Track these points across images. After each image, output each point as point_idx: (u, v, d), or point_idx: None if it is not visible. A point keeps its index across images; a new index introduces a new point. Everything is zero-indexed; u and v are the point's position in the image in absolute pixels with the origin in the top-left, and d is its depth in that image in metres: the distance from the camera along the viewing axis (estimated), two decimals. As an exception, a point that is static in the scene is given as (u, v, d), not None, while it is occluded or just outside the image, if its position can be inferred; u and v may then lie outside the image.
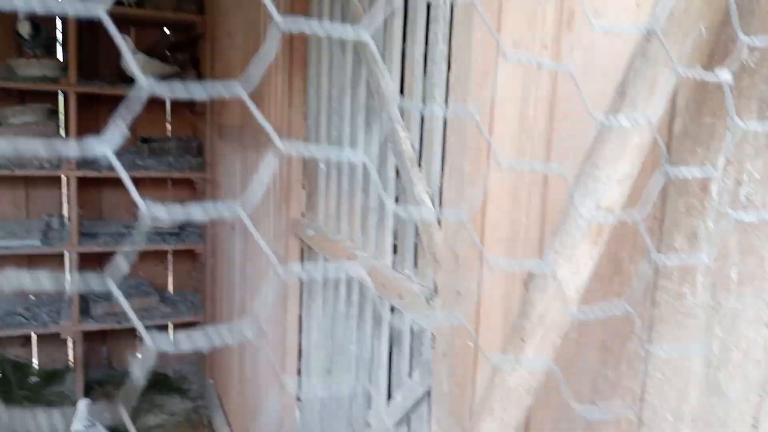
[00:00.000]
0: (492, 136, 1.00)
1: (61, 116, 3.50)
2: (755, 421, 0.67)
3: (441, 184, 1.28)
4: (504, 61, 0.97)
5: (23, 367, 3.76)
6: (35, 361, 3.81)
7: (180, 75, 3.52)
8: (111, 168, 3.33)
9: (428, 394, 1.37)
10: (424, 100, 1.33)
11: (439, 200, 1.28)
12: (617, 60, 0.80)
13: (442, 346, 1.13)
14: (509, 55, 0.97)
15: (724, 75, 0.55)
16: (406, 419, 1.47)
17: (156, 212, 0.40)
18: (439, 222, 1.25)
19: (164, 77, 3.47)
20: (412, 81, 1.35)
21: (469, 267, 1.06)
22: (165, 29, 3.65)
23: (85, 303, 3.52)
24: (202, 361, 3.83)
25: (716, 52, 0.68)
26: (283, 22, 0.43)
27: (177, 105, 3.77)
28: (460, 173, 1.05)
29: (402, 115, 1.41)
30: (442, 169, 1.26)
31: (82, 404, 2.90)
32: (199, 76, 3.58)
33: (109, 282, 0.39)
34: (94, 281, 0.39)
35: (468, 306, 1.08)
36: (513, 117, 0.96)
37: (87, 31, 3.41)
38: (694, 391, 0.72)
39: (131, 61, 0.42)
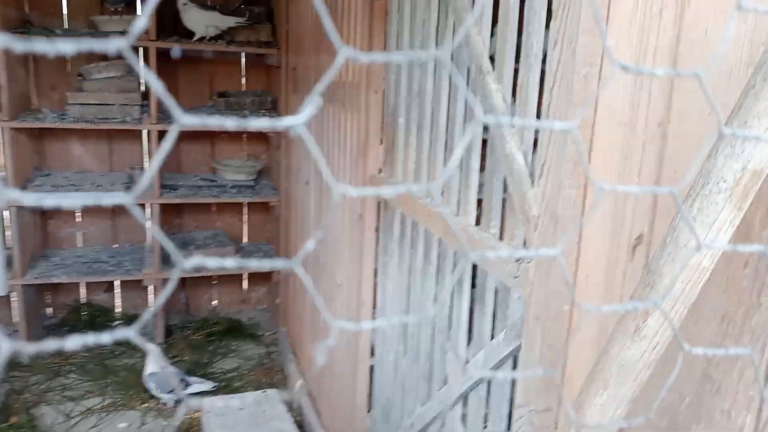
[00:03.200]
0: (602, 90, 0.93)
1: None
2: None
3: (536, 139, 1.21)
4: (619, 7, 0.89)
5: (106, 312, 3.96)
6: (118, 306, 4.01)
7: (249, 26, 3.50)
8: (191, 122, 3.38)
9: (513, 356, 1.34)
10: (519, 51, 1.26)
11: (532, 157, 1.22)
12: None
13: (536, 309, 1.09)
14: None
15: None
16: (486, 380, 1.45)
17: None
18: (532, 181, 1.19)
19: (229, 29, 3.45)
20: (505, 30, 1.28)
21: (569, 228, 1.00)
22: (240, -18, 3.63)
23: (165, 252, 3.65)
24: (275, 309, 3.94)
25: None
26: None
27: (251, 59, 3.78)
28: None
29: (493, 67, 1.35)
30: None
31: (152, 348, 3.03)
32: (274, 29, 3.56)
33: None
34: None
35: (565, 269, 1.03)
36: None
37: (164, -16, 3.43)
38: (835, 372, 0.66)
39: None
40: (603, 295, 0.97)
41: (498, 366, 1.39)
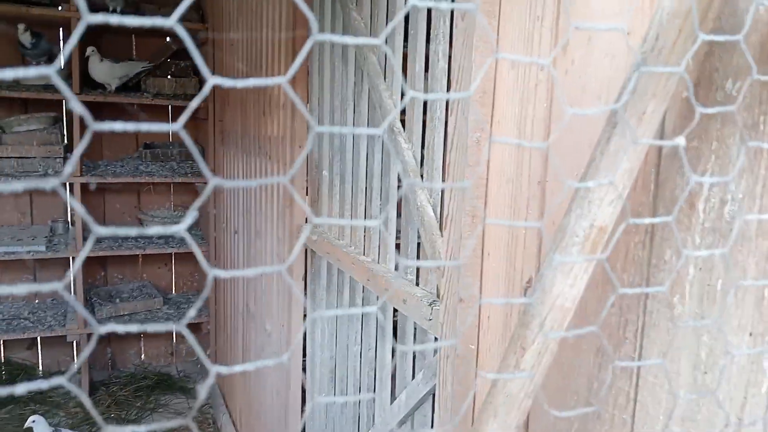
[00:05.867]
0: (492, 151, 1.06)
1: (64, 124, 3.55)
2: (739, 420, 0.73)
3: (442, 194, 1.33)
4: (503, 81, 1.03)
5: (28, 369, 3.81)
6: (41, 364, 3.86)
7: (177, 79, 3.56)
8: (115, 174, 3.38)
9: (431, 394, 1.43)
10: (425, 113, 1.38)
11: (440, 210, 1.34)
12: (610, 84, 0.86)
13: (446, 349, 1.19)
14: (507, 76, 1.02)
15: (679, 140, 0.64)
16: (410, 418, 1.53)
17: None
18: (441, 230, 1.30)
19: (137, 75, 3.49)
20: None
21: (471, 274, 1.11)
22: (167, 38, 3.69)
23: (90, 306, 3.57)
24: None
25: (701, 81, 0.74)
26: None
27: (179, 111, 3.82)
28: (461, 187, 1.10)
29: (404, 127, 1.47)
30: (443, 179, 1.32)
31: (37, 419, 2.77)
32: (200, 83, 3.62)
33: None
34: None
35: (470, 311, 1.13)
36: (511, 133, 1.01)
37: (89, 39, 3.45)
38: (683, 393, 0.78)
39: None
40: (502, 333, 1.07)
41: (419, 405, 1.47)
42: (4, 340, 3.68)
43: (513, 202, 1.01)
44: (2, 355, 3.75)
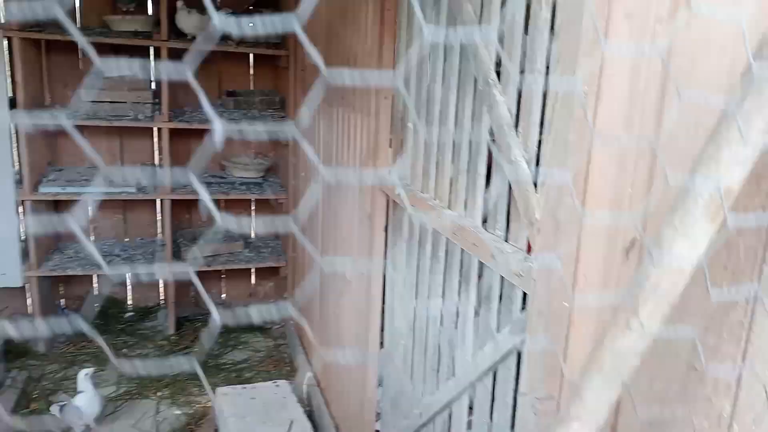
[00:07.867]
0: (599, 107, 1.03)
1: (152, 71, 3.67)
2: None
3: (538, 149, 1.31)
4: (615, 33, 0.99)
5: (119, 303, 4.07)
6: (129, 298, 4.12)
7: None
8: (201, 121, 3.49)
9: (517, 349, 1.44)
10: (522, 66, 1.35)
11: (536, 165, 1.32)
12: (738, 37, 0.81)
13: (539, 305, 1.19)
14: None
15: None
16: (492, 370, 1.55)
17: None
18: (535, 186, 1.29)
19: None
20: (511, 46, 1.37)
21: (569, 231, 1.10)
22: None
23: (176, 247, 3.75)
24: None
25: None
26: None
27: (260, 58, 3.86)
28: (564, 142, 1.08)
29: (499, 79, 1.44)
30: (540, 135, 1.30)
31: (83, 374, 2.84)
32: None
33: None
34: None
35: (566, 269, 1.13)
36: (622, 89, 0.98)
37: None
38: (799, 361, 0.76)
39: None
40: (600, 293, 1.06)
41: (503, 359, 1.49)
42: (97, 275, 3.93)
43: (620, 159, 0.99)
44: (95, 289, 4.02)
